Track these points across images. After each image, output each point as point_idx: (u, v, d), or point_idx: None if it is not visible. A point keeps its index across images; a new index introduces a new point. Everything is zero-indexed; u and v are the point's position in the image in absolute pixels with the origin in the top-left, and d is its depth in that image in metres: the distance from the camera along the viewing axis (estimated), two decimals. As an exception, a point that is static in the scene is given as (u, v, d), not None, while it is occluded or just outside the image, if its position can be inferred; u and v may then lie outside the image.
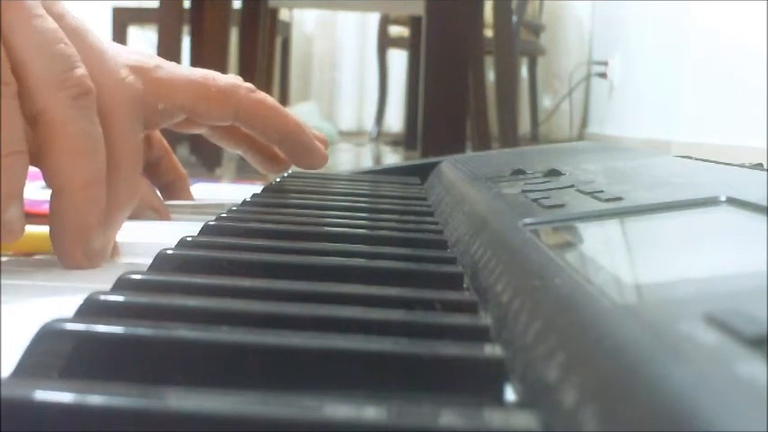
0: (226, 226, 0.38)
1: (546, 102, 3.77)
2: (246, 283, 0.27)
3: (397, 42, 3.40)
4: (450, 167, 0.61)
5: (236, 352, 0.20)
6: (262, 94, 0.49)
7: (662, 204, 0.29)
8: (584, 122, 3.73)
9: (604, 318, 0.17)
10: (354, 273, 0.29)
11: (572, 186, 0.36)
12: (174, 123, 0.48)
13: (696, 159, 0.45)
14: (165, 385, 0.17)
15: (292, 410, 0.16)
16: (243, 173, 1.61)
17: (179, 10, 1.90)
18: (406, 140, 2.93)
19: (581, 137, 3.60)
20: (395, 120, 3.75)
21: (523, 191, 0.38)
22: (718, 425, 0.11)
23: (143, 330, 0.20)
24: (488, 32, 2.21)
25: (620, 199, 0.30)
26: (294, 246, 0.33)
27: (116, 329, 0.20)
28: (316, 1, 2.76)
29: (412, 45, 2.80)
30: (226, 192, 0.69)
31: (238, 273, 0.29)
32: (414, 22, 2.72)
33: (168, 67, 0.46)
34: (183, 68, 0.47)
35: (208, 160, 1.69)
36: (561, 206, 0.31)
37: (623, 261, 0.23)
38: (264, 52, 1.97)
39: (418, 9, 1.94)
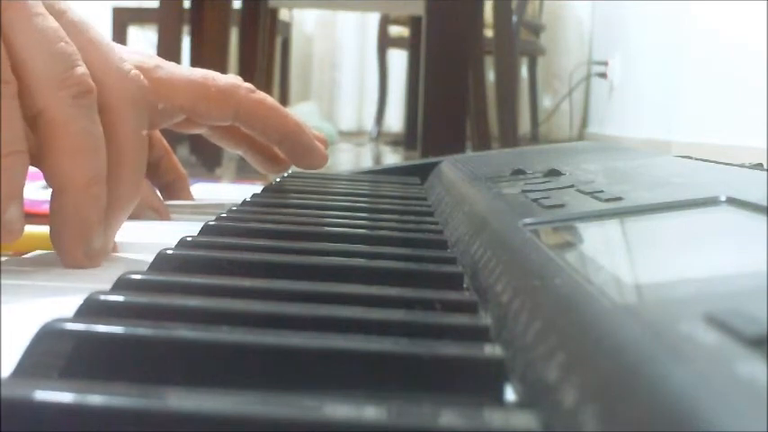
0: (226, 226, 0.38)
1: (546, 102, 3.77)
2: (246, 283, 0.27)
3: (397, 42, 3.39)
4: (450, 167, 0.61)
5: (236, 352, 0.20)
6: (261, 94, 0.49)
7: (662, 204, 0.29)
8: (584, 122, 3.73)
9: (604, 318, 0.17)
10: (354, 273, 0.29)
11: (572, 186, 0.36)
12: (174, 123, 0.48)
13: (696, 159, 0.45)
14: (165, 385, 0.17)
15: (292, 410, 0.16)
16: (243, 173, 1.61)
17: (179, 10, 1.90)
18: (406, 140, 2.93)
19: (581, 137, 3.60)
20: (395, 120, 3.75)
21: (523, 191, 0.38)
22: (718, 425, 0.11)
23: (143, 330, 0.20)
24: (488, 32, 2.21)
25: (620, 199, 0.30)
26: (294, 246, 0.33)
27: (116, 329, 0.20)
28: (316, 1, 2.76)
29: (412, 45, 2.80)
30: (226, 192, 0.69)
31: (238, 273, 0.29)
32: (414, 22, 2.72)
33: (168, 67, 0.46)
34: (183, 68, 0.47)
35: (208, 160, 1.69)
36: (561, 206, 0.31)
37: (623, 261, 0.23)
38: (264, 52, 1.97)
39: (418, 9, 1.94)
